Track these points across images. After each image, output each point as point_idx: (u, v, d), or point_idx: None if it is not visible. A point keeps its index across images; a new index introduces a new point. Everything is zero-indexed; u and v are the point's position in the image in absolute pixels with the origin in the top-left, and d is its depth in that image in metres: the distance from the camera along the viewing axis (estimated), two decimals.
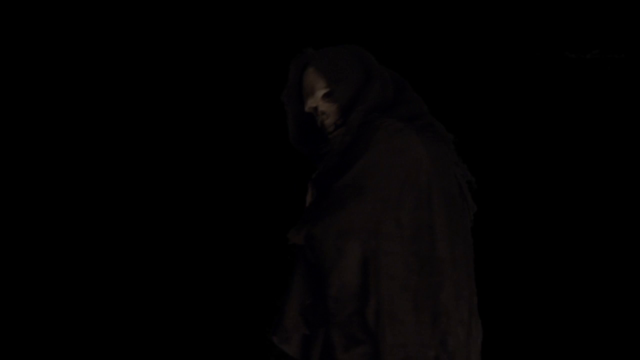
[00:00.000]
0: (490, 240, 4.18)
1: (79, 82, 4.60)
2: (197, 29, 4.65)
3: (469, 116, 4.50)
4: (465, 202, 2.59)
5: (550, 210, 4.56)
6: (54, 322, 4.50)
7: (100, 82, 4.61)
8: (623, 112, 4.54)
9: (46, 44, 4.57)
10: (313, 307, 2.45)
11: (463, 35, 4.61)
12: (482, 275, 2.68)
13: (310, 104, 2.59)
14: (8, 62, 4.53)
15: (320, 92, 2.57)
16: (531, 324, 4.50)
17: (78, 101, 4.60)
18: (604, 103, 4.56)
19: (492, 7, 4.59)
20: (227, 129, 4.64)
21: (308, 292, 2.47)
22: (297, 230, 2.44)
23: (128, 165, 4.62)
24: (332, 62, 2.57)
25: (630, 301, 4.46)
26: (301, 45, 2.69)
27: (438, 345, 2.41)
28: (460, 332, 2.45)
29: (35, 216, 4.54)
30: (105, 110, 4.62)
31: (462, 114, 4.44)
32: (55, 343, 4.48)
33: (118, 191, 4.61)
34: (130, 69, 4.63)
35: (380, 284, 2.38)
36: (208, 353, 4.55)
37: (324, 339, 2.43)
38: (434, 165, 2.47)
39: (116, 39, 4.61)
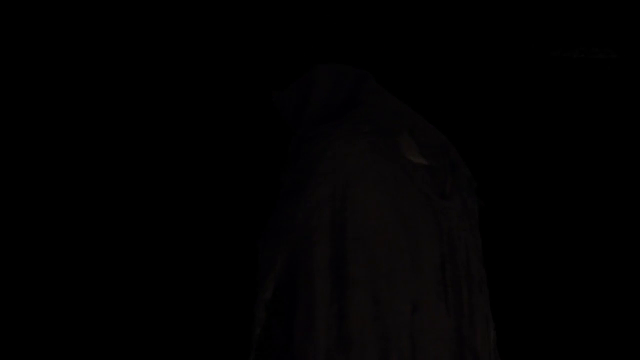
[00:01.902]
0: (490, 240, 4.19)
1: (66, 79, 4.62)
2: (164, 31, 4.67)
3: (468, 116, 4.51)
4: (425, 196, 2.60)
5: (549, 211, 4.57)
6: (43, 319, 4.51)
7: (82, 80, 4.63)
8: (623, 112, 4.56)
9: (39, 42, 4.59)
10: None
11: (462, 34, 4.62)
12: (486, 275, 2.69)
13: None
14: (8, 62, 4.56)
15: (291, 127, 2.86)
16: (532, 324, 4.51)
17: (62, 98, 4.62)
18: (604, 103, 4.57)
19: (491, 5, 4.60)
20: (228, 131, 4.65)
21: None
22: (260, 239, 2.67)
23: (124, 165, 4.64)
24: (283, 103, 2.86)
25: (631, 300, 4.47)
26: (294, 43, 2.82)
27: (339, 356, 2.46)
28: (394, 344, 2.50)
29: (22, 212, 4.55)
30: (88, 108, 4.64)
31: (462, 114, 4.46)
32: (42, 341, 4.50)
33: (117, 191, 4.63)
34: (121, 68, 4.64)
35: (299, 292, 2.48)
36: (204, 353, 4.57)
37: None
38: (361, 165, 2.55)
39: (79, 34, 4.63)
